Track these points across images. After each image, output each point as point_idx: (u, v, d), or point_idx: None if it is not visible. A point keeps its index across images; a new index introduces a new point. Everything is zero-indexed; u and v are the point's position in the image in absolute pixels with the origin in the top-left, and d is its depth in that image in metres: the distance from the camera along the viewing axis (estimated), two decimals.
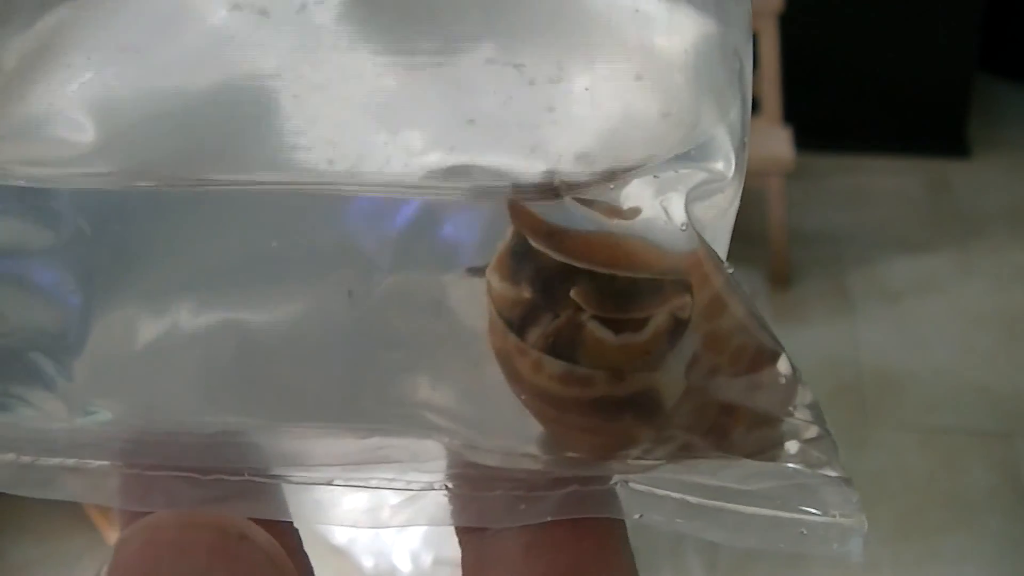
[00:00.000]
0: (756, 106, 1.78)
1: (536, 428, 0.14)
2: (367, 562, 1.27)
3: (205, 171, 0.14)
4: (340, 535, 1.28)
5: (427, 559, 1.26)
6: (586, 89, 0.14)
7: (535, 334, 0.13)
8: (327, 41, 0.14)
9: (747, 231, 1.89)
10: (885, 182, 2.03)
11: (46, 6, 0.14)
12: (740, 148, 0.15)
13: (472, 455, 0.15)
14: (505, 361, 0.14)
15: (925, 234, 1.89)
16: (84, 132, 0.14)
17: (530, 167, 0.13)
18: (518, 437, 0.14)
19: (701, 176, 0.14)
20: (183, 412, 0.16)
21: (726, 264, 0.14)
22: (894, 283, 1.77)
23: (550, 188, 0.13)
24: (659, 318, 0.13)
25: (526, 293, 0.13)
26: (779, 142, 1.71)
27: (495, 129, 0.14)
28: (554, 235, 0.13)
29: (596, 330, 0.13)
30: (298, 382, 0.15)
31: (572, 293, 0.13)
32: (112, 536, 1.22)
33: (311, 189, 0.14)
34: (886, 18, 2.01)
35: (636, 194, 0.14)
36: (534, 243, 0.13)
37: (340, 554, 1.29)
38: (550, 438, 0.14)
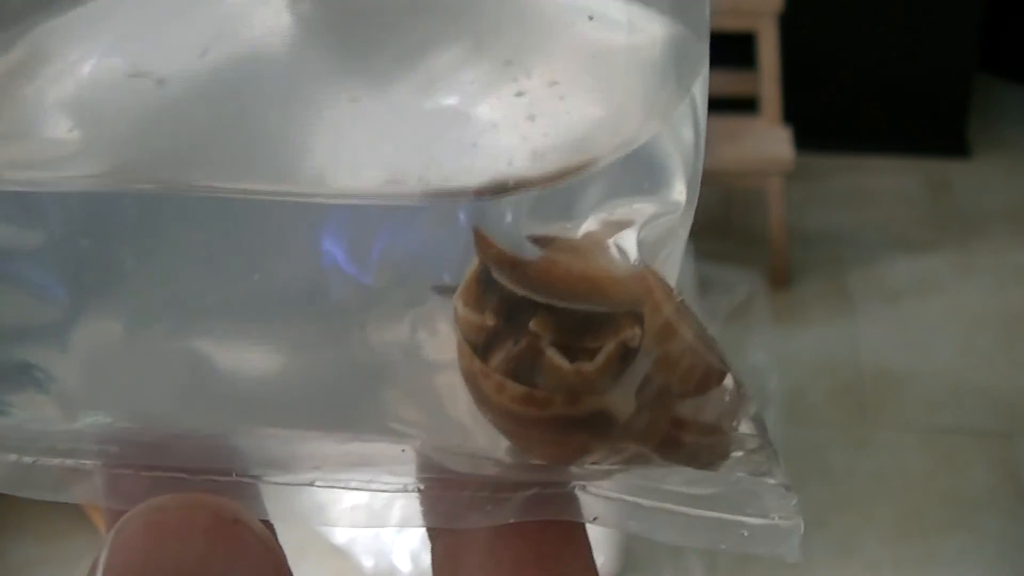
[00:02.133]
0: (756, 106, 1.78)
1: (501, 440, 0.15)
2: (367, 562, 1.27)
3: (188, 175, 0.15)
4: (340, 535, 1.28)
5: (427, 559, 1.26)
6: (539, 90, 0.14)
7: (497, 358, 0.14)
8: (294, 48, 0.15)
9: (747, 231, 1.90)
10: (885, 182, 2.04)
11: (34, 14, 0.15)
12: (693, 175, 0.16)
13: (441, 459, 0.16)
14: (471, 382, 0.15)
15: (925, 234, 1.89)
16: (71, 135, 0.15)
17: (483, 167, 0.14)
18: (484, 446, 0.15)
19: (654, 209, 0.15)
20: (170, 416, 0.16)
21: (676, 292, 0.15)
22: (894, 283, 1.77)
23: (504, 187, 0.14)
24: (610, 347, 0.14)
25: (490, 320, 0.14)
26: (779, 142, 1.71)
27: (450, 131, 0.14)
28: (515, 267, 0.14)
29: (553, 357, 0.14)
30: (280, 392, 0.16)
31: (531, 324, 0.14)
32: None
33: (278, 197, 0.15)
34: (886, 18, 2.01)
35: (592, 231, 0.15)
36: (496, 275, 0.14)
37: (340, 554, 1.29)
38: (512, 446, 0.15)
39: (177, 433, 0.16)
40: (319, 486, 0.16)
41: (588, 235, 0.15)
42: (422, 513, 0.16)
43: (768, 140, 1.72)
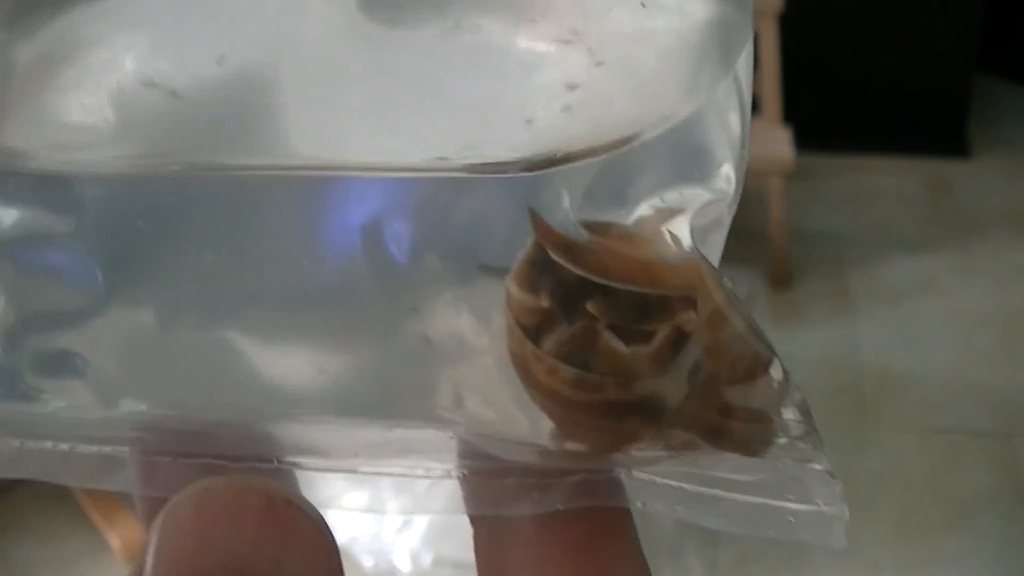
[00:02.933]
0: (756, 106, 1.78)
1: (546, 426, 0.15)
2: (367, 562, 1.27)
3: (218, 155, 0.15)
4: (340, 535, 1.28)
5: (427, 559, 1.26)
6: (584, 66, 0.14)
7: (550, 341, 0.14)
8: (337, 19, 0.14)
9: (747, 231, 1.89)
10: (885, 182, 2.04)
11: (61, 3, 0.15)
12: (740, 161, 0.15)
13: (485, 446, 0.16)
14: (521, 365, 0.15)
15: (925, 234, 1.89)
16: (103, 118, 0.15)
17: (528, 140, 0.14)
18: (528, 432, 0.15)
19: (705, 196, 0.15)
20: (208, 404, 0.16)
21: (725, 280, 0.15)
22: (894, 283, 1.77)
23: (549, 161, 0.14)
24: (665, 330, 0.14)
25: (544, 303, 0.14)
26: (779, 142, 1.71)
27: (495, 106, 0.14)
28: (572, 249, 0.14)
29: (609, 340, 0.14)
30: (321, 380, 0.16)
31: (588, 305, 0.14)
32: (112, 537, 1.22)
33: (320, 173, 0.15)
34: (886, 18, 2.01)
35: (645, 218, 0.15)
36: (554, 256, 0.14)
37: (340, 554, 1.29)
38: (560, 432, 0.15)
39: (215, 420, 0.16)
40: (362, 472, 0.16)
41: (641, 222, 0.15)
42: (465, 500, 0.16)
43: (768, 140, 1.72)
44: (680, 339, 0.14)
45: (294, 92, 0.15)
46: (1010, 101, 2.26)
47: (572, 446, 0.15)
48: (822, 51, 2.04)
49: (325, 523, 0.13)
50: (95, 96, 0.15)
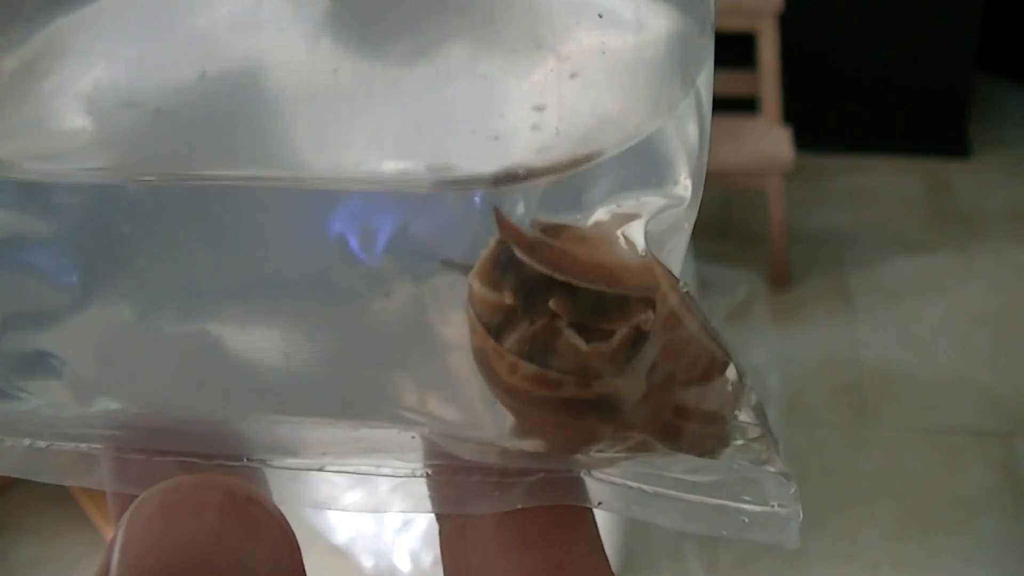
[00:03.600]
0: (756, 106, 1.78)
1: (508, 423, 0.16)
2: (367, 562, 1.28)
3: (196, 166, 0.15)
4: (340, 535, 1.28)
5: (427, 559, 1.26)
6: (549, 84, 0.15)
7: (512, 339, 0.15)
8: (310, 40, 0.15)
9: (747, 231, 1.90)
10: (885, 182, 2.04)
11: (44, 13, 0.15)
12: (698, 169, 0.16)
13: (448, 446, 0.16)
14: (483, 361, 0.15)
15: (925, 234, 1.89)
16: (83, 128, 0.15)
17: (494, 157, 0.15)
18: (491, 433, 0.16)
19: (660, 202, 0.15)
20: (180, 402, 0.16)
21: (682, 283, 0.15)
22: (894, 283, 1.77)
23: (515, 176, 0.14)
24: (625, 329, 0.15)
25: (507, 300, 0.15)
26: (779, 142, 1.71)
27: (463, 123, 0.15)
28: (536, 248, 0.15)
29: (570, 337, 0.15)
30: (289, 379, 0.16)
31: (551, 303, 0.15)
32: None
33: (292, 184, 0.15)
34: (886, 18, 2.01)
35: (601, 222, 0.15)
36: (518, 253, 0.15)
37: (340, 554, 1.29)
38: (520, 428, 0.16)
39: (187, 418, 0.16)
40: (328, 471, 0.16)
41: (597, 226, 0.15)
42: (430, 499, 0.16)
43: (768, 140, 1.72)
44: (638, 338, 0.15)
45: (268, 107, 0.15)
46: (1010, 101, 2.26)
47: (532, 443, 0.16)
48: (822, 51, 2.04)
49: (286, 520, 0.13)
50: (75, 108, 0.15)
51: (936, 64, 2.03)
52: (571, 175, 0.15)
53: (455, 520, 0.17)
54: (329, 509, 0.16)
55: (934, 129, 2.10)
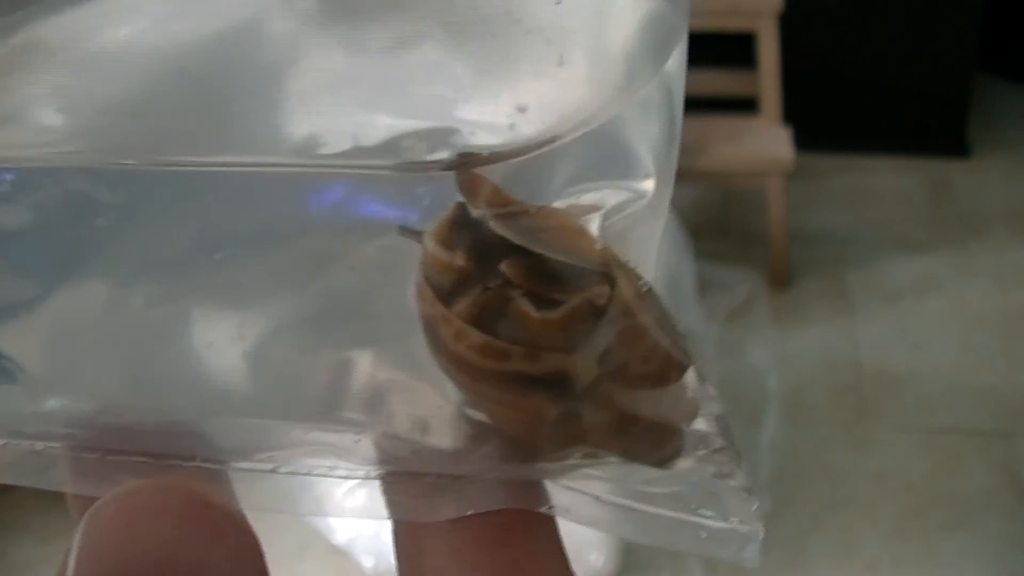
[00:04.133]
0: (756, 106, 1.78)
1: (460, 432, 0.15)
2: (367, 562, 1.27)
3: (173, 154, 0.15)
4: (340, 535, 1.28)
5: None
6: (504, 69, 0.14)
7: (462, 304, 0.14)
8: (289, 25, 0.15)
9: (747, 231, 1.90)
10: (885, 182, 2.04)
11: (18, 8, 0.15)
12: (665, 162, 0.15)
13: (399, 451, 0.16)
14: (429, 328, 0.15)
15: (925, 234, 1.89)
16: (59, 118, 0.15)
17: (451, 141, 0.14)
18: (443, 440, 0.15)
19: (622, 196, 0.15)
20: (132, 401, 0.16)
21: (642, 281, 0.15)
22: (894, 283, 1.77)
23: (471, 160, 0.14)
24: (576, 300, 0.14)
25: (459, 261, 0.14)
26: (779, 142, 1.71)
27: (421, 106, 0.15)
28: (509, 205, 0.14)
29: (521, 303, 0.14)
30: (239, 380, 0.16)
31: (503, 265, 0.14)
32: None
33: (256, 168, 0.15)
34: (886, 18, 2.01)
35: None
36: (486, 214, 0.14)
37: (340, 554, 1.29)
38: (471, 439, 0.15)
39: (141, 418, 0.16)
40: (281, 473, 0.16)
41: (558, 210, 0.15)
42: (384, 504, 0.16)
43: (768, 140, 1.72)
44: (591, 312, 0.14)
45: (247, 96, 0.15)
46: (1010, 101, 2.26)
47: (477, 414, 0.15)
48: (822, 51, 2.04)
49: (248, 524, 0.13)
50: (50, 98, 0.15)
51: (936, 64, 2.03)
52: (529, 163, 0.14)
53: (408, 522, 0.16)
54: (282, 513, 0.16)
55: (934, 129, 2.10)
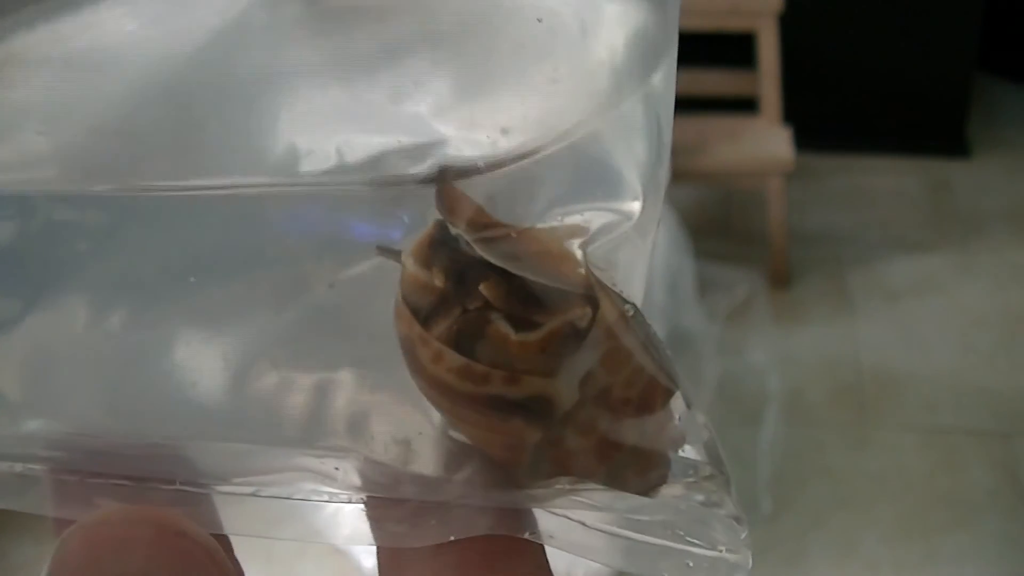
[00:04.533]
0: (756, 106, 1.78)
1: (442, 462, 0.15)
2: (367, 562, 1.27)
3: (148, 175, 0.15)
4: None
5: None
6: (483, 82, 0.14)
7: (440, 326, 0.14)
8: (272, 39, 0.14)
9: (747, 231, 1.89)
10: (885, 182, 2.03)
11: (11, 19, 0.15)
12: (651, 183, 0.15)
13: (382, 479, 0.15)
14: (407, 349, 0.14)
15: (925, 234, 1.89)
16: (36, 140, 0.15)
17: (428, 155, 0.14)
18: (425, 468, 0.15)
19: (605, 218, 0.15)
20: (111, 424, 0.16)
21: (627, 305, 0.15)
22: (894, 283, 1.77)
23: (447, 174, 0.14)
24: (555, 323, 0.14)
25: (438, 281, 0.14)
26: (779, 142, 1.71)
27: (398, 121, 0.14)
28: (489, 227, 0.14)
29: (500, 325, 0.14)
30: (221, 405, 0.16)
31: (482, 286, 0.14)
32: None
33: (232, 191, 0.15)
34: (886, 18, 2.01)
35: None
36: (465, 233, 0.14)
37: (340, 554, 1.29)
38: (451, 465, 0.15)
39: (120, 441, 0.16)
40: (263, 496, 0.16)
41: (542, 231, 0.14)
42: (367, 529, 0.16)
43: (768, 140, 1.72)
44: (571, 335, 0.14)
45: (227, 114, 0.15)
46: (1010, 101, 2.26)
47: (460, 440, 0.15)
48: (822, 51, 2.04)
49: (218, 551, 0.13)
50: (27, 118, 0.15)
51: (936, 64, 2.03)
52: (513, 183, 0.14)
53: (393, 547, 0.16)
54: (266, 537, 0.16)
55: (934, 129, 2.10)
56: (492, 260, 0.14)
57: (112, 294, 0.15)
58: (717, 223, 1.92)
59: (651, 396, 0.15)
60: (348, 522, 0.16)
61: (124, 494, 0.15)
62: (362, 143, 0.14)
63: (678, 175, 1.55)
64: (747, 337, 1.67)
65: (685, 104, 1.82)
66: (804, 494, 1.37)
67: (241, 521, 0.16)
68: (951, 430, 1.48)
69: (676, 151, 1.57)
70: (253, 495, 0.16)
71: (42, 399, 0.16)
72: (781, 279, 1.78)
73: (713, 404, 1.52)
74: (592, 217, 0.15)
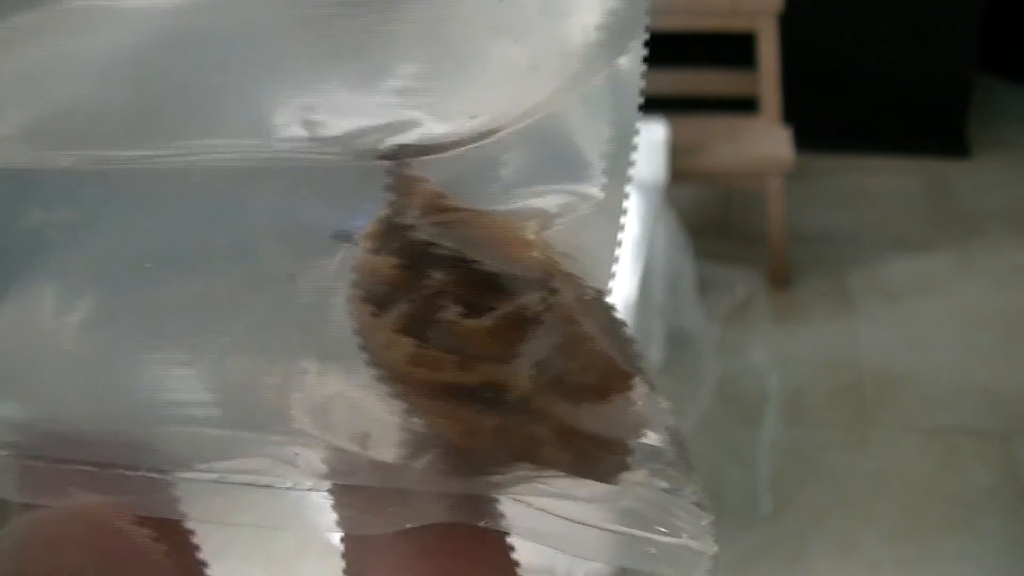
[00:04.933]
0: (756, 106, 1.78)
1: (405, 446, 0.15)
2: None
3: (113, 144, 0.14)
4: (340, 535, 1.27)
5: None
6: (448, 59, 0.14)
7: (393, 313, 0.14)
8: (238, 10, 0.14)
9: (747, 231, 1.90)
10: (885, 182, 2.04)
11: None
12: (615, 166, 0.15)
13: (345, 465, 0.15)
14: (361, 336, 0.14)
15: (925, 234, 1.89)
16: (8, 115, 0.14)
17: (393, 129, 0.14)
18: (384, 453, 0.15)
19: (567, 200, 0.15)
20: (76, 410, 0.16)
21: (587, 288, 0.14)
22: (894, 283, 1.77)
23: (410, 150, 0.14)
24: (506, 308, 0.14)
25: (391, 266, 0.14)
26: (779, 142, 1.71)
27: (366, 93, 0.14)
28: (445, 211, 0.14)
29: (449, 311, 0.14)
30: (188, 391, 0.16)
31: (435, 272, 0.14)
32: None
33: (196, 156, 0.14)
34: (886, 18, 2.01)
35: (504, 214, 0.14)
36: (421, 216, 0.14)
37: (340, 554, 1.28)
38: (415, 456, 0.15)
39: (86, 427, 0.16)
40: (227, 483, 0.16)
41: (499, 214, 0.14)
42: (331, 516, 0.16)
43: (768, 140, 1.72)
44: (523, 321, 0.14)
45: (191, 86, 0.14)
46: (1010, 101, 2.26)
47: (419, 427, 0.15)
48: (822, 51, 2.04)
49: (151, 549, 0.12)
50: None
51: (936, 64, 2.04)
52: (471, 165, 0.14)
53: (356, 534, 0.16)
54: (229, 524, 0.16)
55: (934, 129, 2.10)
56: (446, 244, 0.14)
57: (79, 281, 0.15)
58: (717, 223, 1.92)
59: (609, 382, 0.15)
60: (311, 509, 0.16)
61: (89, 480, 0.15)
62: (331, 122, 0.14)
63: (678, 175, 1.55)
64: (747, 337, 1.67)
65: (685, 104, 1.82)
66: (804, 494, 1.37)
67: (205, 507, 0.15)
68: (951, 430, 1.48)
69: (676, 151, 1.58)
70: (217, 482, 0.16)
71: (8, 385, 0.16)
72: (781, 279, 1.78)
73: (713, 404, 1.52)
74: (550, 200, 0.15)
